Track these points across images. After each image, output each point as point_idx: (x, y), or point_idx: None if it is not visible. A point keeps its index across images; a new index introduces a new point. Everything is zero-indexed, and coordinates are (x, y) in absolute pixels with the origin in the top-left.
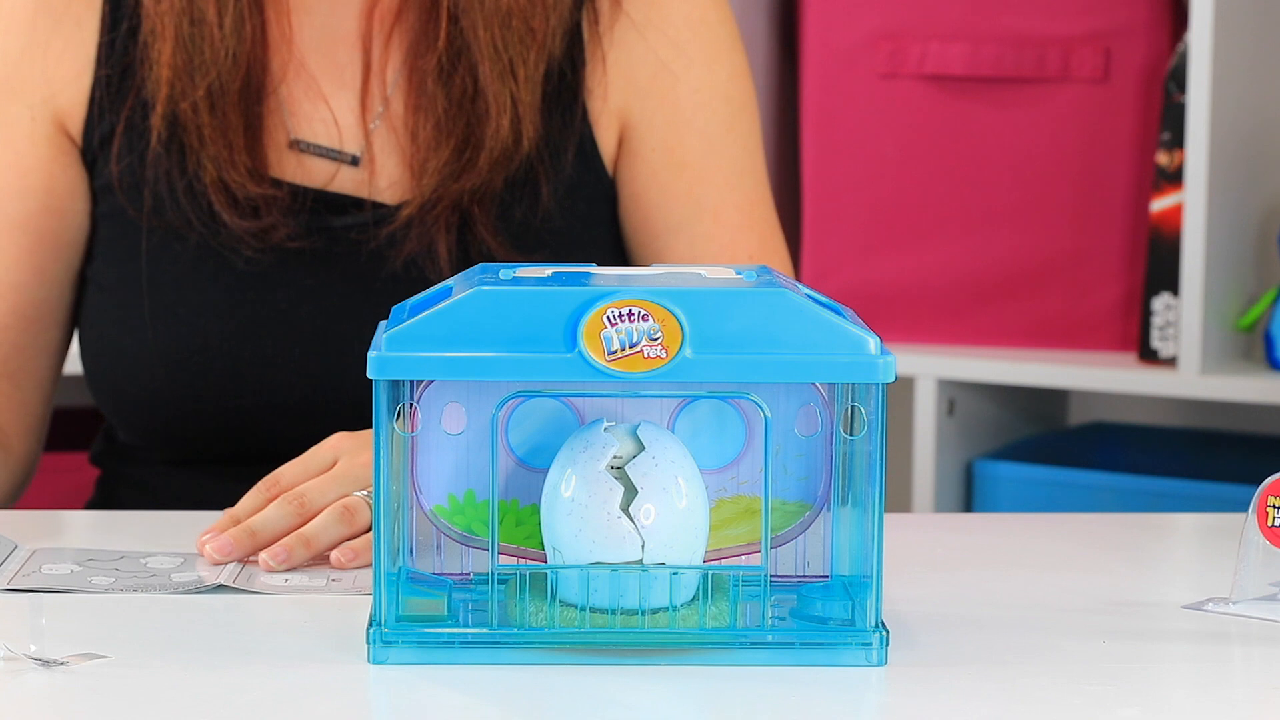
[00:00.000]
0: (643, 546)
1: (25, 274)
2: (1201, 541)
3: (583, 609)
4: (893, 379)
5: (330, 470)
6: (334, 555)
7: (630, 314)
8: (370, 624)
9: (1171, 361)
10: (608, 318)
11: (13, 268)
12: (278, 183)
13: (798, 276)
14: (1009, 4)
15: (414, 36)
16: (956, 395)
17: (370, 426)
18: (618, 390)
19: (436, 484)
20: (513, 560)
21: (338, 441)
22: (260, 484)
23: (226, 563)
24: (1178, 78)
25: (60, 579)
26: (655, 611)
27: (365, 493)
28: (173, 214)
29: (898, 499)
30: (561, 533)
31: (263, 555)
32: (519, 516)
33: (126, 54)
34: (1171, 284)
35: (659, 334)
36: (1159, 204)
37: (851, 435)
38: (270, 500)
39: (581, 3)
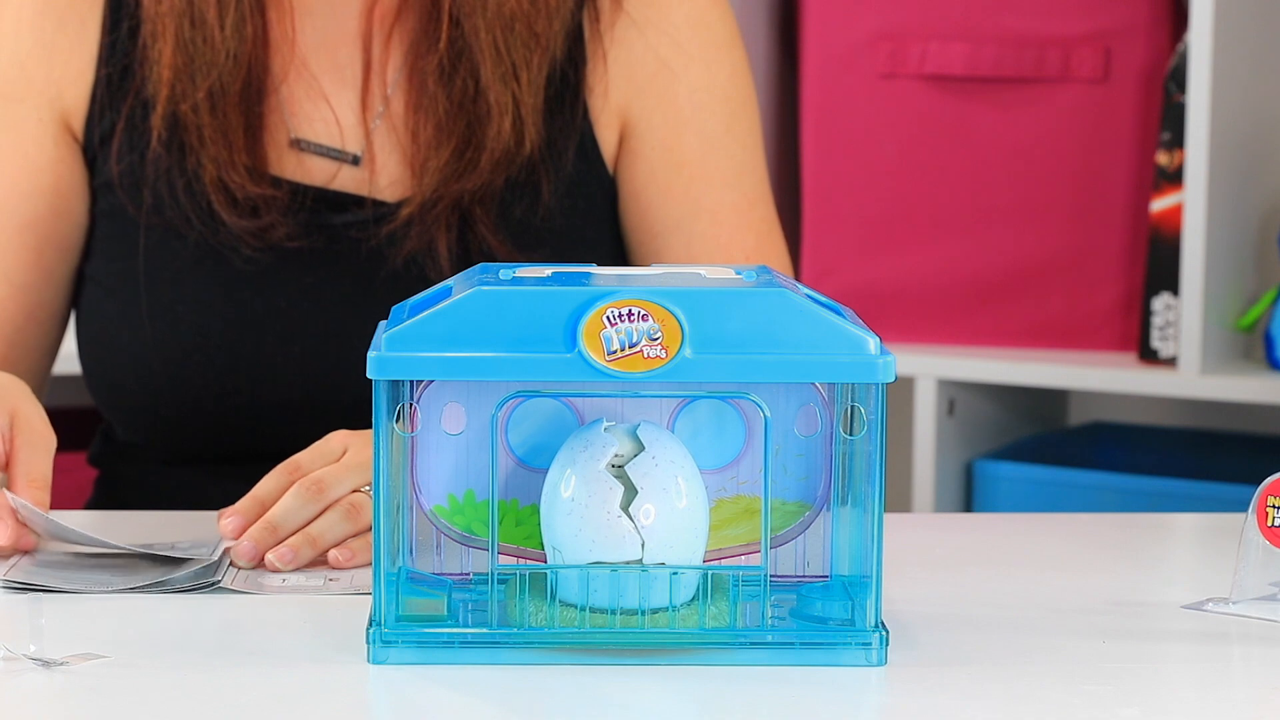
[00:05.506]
0: (642, 546)
1: (35, 275)
2: (1201, 541)
3: (582, 609)
4: (893, 379)
5: (342, 459)
6: (332, 554)
7: (630, 314)
8: (370, 624)
9: (1171, 361)
10: (608, 318)
11: (23, 269)
12: (278, 182)
13: (797, 276)
14: (1009, 4)
15: (414, 36)
16: (956, 395)
17: (370, 425)
18: (618, 390)
19: (436, 484)
20: (513, 560)
21: (344, 437)
22: (280, 467)
23: (254, 565)
24: (1178, 78)
25: (55, 574)
26: (655, 611)
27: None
28: (172, 213)
29: (898, 499)
30: (561, 532)
31: (269, 557)
32: (519, 516)
33: (127, 54)
34: (1171, 284)
35: (659, 334)
36: (1159, 204)
37: (851, 435)
38: (291, 483)
39: (583, 2)
